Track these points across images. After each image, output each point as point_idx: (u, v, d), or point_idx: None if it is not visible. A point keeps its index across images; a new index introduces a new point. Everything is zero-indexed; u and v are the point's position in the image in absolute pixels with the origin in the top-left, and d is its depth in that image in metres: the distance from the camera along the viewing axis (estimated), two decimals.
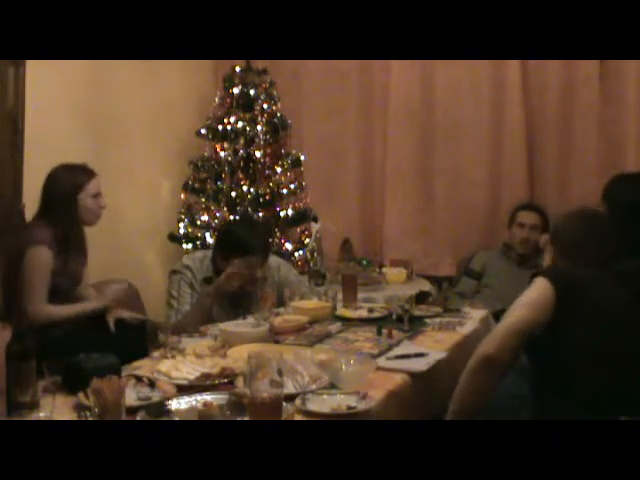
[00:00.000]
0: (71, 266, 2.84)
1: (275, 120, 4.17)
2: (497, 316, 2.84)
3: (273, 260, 3.13)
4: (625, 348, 1.94)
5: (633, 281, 2.02)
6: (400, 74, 4.43)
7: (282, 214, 4.10)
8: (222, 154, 4.11)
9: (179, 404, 1.83)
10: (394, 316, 2.74)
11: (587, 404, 1.88)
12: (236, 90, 4.15)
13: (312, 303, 2.90)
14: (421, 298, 2.97)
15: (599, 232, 2.10)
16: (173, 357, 2.21)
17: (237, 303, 2.95)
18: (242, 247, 2.85)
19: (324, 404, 1.81)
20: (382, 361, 2.20)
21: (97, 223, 2.92)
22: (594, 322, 1.95)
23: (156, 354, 2.28)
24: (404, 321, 2.64)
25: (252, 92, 4.14)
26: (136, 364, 2.19)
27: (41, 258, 2.71)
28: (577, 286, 1.98)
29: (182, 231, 4.10)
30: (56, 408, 1.74)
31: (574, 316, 1.94)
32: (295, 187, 4.15)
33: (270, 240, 3.51)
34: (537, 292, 1.97)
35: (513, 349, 1.93)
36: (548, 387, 2.02)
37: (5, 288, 2.79)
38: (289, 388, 1.86)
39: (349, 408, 1.79)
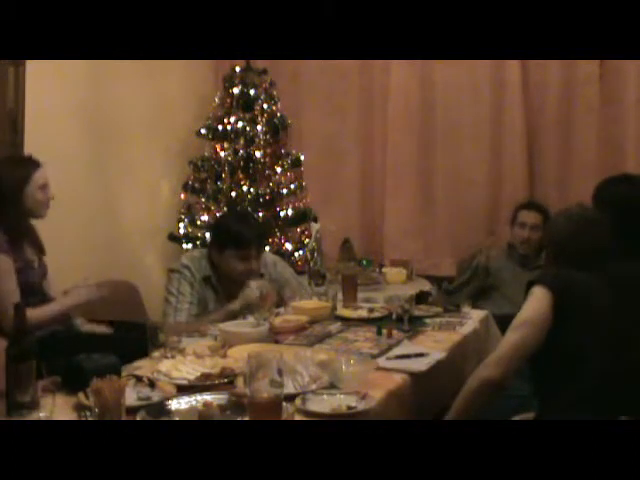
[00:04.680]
0: (32, 260, 2.74)
1: (275, 120, 4.17)
2: (503, 320, 2.83)
3: (269, 257, 3.13)
4: (620, 349, 1.95)
5: (625, 285, 2.01)
6: (400, 74, 4.43)
7: (282, 214, 4.10)
8: (222, 154, 4.12)
9: (179, 404, 1.83)
10: (394, 316, 2.73)
11: (586, 404, 1.89)
12: (236, 90, 4.15)
13: (312, 303, 2.89)
14: (421, 298, 2.97)
15: (586, 232, 2.07)
16: (173, 357, 2.21)
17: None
18: (236, 238, 2.85)
19: (324, 404, 1.81)
20: (382, 361, 2.19)
21: (45, 215, 2.76)
22: (590, 324, 1.95)
23: (156, 354, 2.28)
24: (404, 321, 2.64)
25: (252, 92, 4.14)
26: (136, 364, 2.18)
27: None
28: (573, 289, 1.98)
29: (182, 231, 4.10)
30: (56, 408, 1.74)
31: (571, 318, 1.94)
32: (295, 187, 4.15)
33: (265, 231, 3.49)
34: (535, 305, 1.97)
35: (516, 371, 1.97)
36: (548, 387, 2.02)
37: None
38: (289, 388, 1.86)
39: (349, 408, 1.79)
